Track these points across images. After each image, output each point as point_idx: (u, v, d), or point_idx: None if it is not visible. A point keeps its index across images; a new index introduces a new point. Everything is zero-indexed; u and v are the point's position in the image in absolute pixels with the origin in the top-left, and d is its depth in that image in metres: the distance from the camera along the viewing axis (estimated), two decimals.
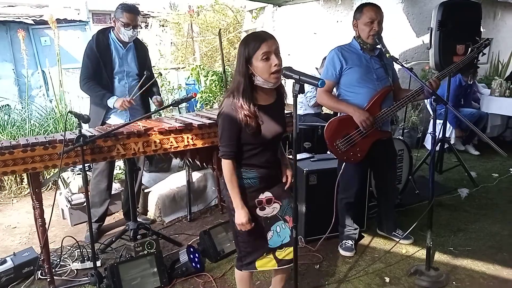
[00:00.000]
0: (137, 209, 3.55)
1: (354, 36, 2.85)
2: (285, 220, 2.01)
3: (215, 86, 5.26)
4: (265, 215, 1.97)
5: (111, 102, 3.03)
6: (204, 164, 3.07)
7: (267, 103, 1.91)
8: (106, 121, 3.14)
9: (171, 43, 9.88)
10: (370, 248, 3.05)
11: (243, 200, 1.90)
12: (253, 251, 1.99)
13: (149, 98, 3.37)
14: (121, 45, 3.12)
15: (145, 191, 3.81)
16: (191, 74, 5.84)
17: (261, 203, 1.95)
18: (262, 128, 1.86)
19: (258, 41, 1.76)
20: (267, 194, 1.97)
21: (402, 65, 2.69)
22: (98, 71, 3.07)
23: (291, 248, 1.99)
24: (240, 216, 1.88)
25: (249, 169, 1.92)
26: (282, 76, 1.80)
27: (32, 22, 6.19)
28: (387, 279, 2.64)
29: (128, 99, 3.00)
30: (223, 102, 1.90)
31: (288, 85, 1.99)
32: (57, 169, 2.46)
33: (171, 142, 2.64)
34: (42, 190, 4.20)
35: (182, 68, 7.04)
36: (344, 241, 2.99)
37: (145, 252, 2.75)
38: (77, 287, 2.60)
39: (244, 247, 2.00)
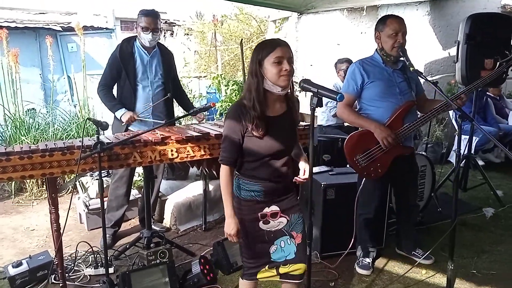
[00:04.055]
0: (153, 217, 3.56)
1: (376, 49, 2.79)
2: (291, 236, 1.96)
3: (235, 95, 5.26)
4: (268, 229, 1.93)
5: (119, 114, 3.08)
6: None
7: (275, 114, 1.87)
8: (129, 127, 3.17)
9: (195, 51, 9.99)
10: (388, 267, 2.94)
11: (245, 212, 1.88)
12: (254, 264, 1.97)
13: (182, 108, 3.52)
14: (146, 52, 3.16)
15: (162, 198, 3.81)
16: (213, 83, 5.87)
17: (265, 216, 1.91)
18: (266, 139, 1.82)
19: (273, 45, 1.78)
20: (274, 208, 1.92)
21: (426, 80, 2.62)
22: (121, 79, 3.11)
23: (298, 265, 1.97)
24: (230, 226, 1.86)
25: (253, 181, 1.88)
26: (301, 89, 1.77)
27: (60, 29, 6.37)
28: None
29: (135, 116, 3.05)
30: (232, 106, 1.90)
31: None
32: (74, 174, 2.48)
33: (188, 151, 2.63)
34: (61, 194, 4.31)
35: (204, 76, 7.09)
36: (361, 259, 2.90)
37: (158, 261, 2.74)
38: None
39: (246, 258, 1.98)
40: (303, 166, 1.98)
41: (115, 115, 3.20)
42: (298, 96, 2.13)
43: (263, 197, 1.89)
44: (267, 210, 1.91)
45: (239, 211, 1.90)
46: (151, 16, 3.08)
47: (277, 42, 1.80)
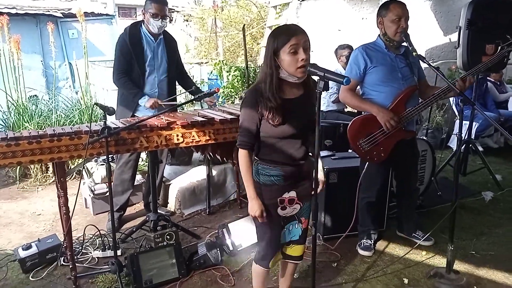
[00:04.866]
0: (158, 201, 3.60)
1: (379, 35, 2.80)
2: (300, 221, 2.02)
3: (237, 81, 5.27)
4: (284, 215, 1.97)
5: (142, 101, 3.10)
6: (224, 158, 3.09)
7: (293, 96, 1.87)
8: (135, 114, 3.20)
9: (195, 38, 9.95)
10: (389, 248, 3.01)
11: (265, 197, 1.89)
12: (269, 249, 2.00)
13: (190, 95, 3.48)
14: (152, 38, 3.17)
15: (166, 183, 3.86)
16: (214, 69, 5.86)
17: (284, 202, 1.93)
18: (285, 122, 1.82)
19: (288, 34, 1.74)
20: (292, 194, 1.93)
21: (429, 64, 2.63)
22: (130, 65, 3.12)
23: (300, 246, 2.05)
24: (253, 207, 1.86)
25: (272, 166, 1.88)
26: (308, 73, 1.78)
27: (61, 15, 6.33)
28: (406, 281, 2.60)
29: (159, 101, 3.08)
30: (248, 91, 1.88)
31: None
32: (81, 159, 2.52)
33: (193, 136, 2.67)
34: (66, 179, 4.35)
35: (205, 63, 7.08)
36: (363, 241, 2.96)
37: (165, 243, 2.80)
38: (98, 275, 2.66)
39: (262, 243, 2.01)
40: (322, 179, 2.03)
41: (121, 98, 3.23)
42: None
43: (282, 181, 1.89)
44: (286, 195, 1.92)
45: (259, 196, 1.89)
46: (161, 2, 3.08)
47: (292, 30, 1.75)
